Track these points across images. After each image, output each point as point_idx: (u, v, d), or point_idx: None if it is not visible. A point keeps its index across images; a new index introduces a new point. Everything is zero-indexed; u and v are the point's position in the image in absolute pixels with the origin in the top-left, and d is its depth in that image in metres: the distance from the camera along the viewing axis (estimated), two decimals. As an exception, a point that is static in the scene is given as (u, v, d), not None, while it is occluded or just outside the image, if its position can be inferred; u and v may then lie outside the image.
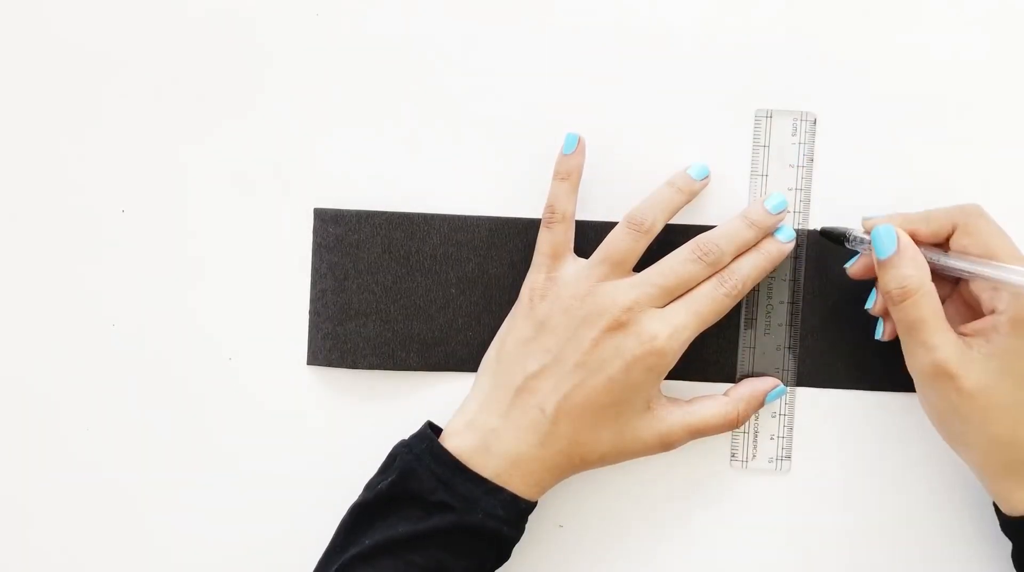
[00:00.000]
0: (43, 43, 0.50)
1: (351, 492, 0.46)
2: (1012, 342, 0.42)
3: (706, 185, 0.48)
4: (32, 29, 0.50)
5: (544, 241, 0.47)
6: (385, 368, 0.49)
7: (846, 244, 0.47)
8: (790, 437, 0.49)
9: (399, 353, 0.49)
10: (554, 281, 0.46)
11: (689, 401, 0.47)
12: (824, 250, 0.49)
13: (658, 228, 0.46)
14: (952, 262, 0.43)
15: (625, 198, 0.47)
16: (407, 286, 0.49)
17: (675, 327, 0.45)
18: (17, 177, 0.50)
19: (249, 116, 0.50)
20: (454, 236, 0.49)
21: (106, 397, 0.50)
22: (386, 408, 0.50)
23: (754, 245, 0.46)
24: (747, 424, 0.49)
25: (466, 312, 0.49)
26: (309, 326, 0.49)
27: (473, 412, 0.46)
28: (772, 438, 0.49)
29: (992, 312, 0.43)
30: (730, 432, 0.49)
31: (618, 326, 0.44)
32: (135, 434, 0.50)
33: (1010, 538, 0.45)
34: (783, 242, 0.47)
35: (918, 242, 0.44)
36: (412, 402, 0.49)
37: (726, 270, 0.46)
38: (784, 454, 0.49)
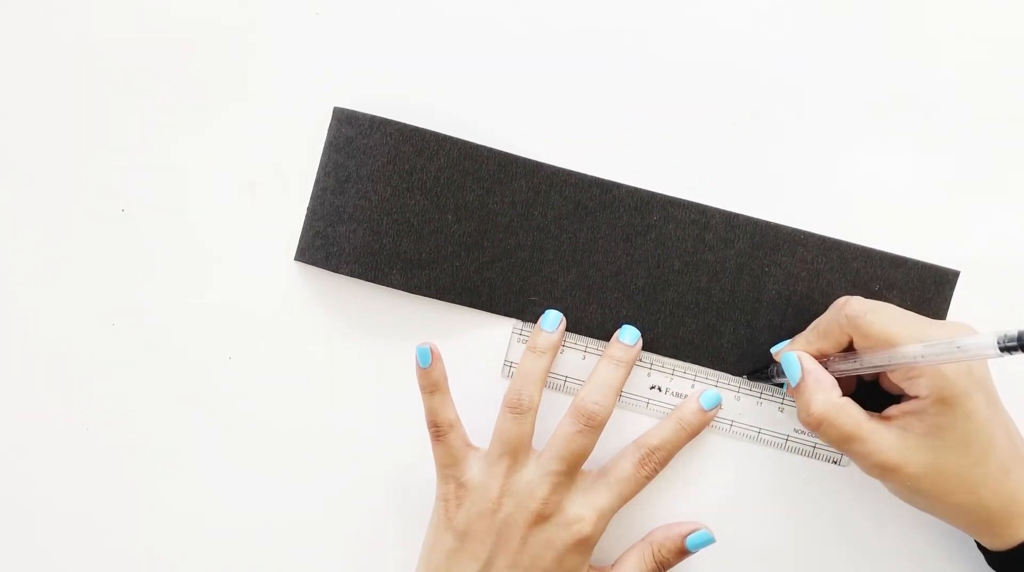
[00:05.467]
0: (42, 43, 0.50)
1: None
2: (941, 419, 0.41)
3: (562, 338, 0.48)
4: (32, 29, 0.50)
5: (441, 454, 0.46)
6: (366, 278, 0.48)
7: (772, 381, 0.46)
8: None
9: (382, 267, 0.48)
10: (465, 487, 0.46)
11: (613, 566, 0.47)
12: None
13: (537, 401, 0.46)
14: (863, 365, 0.43)
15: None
16: (404, 202, 0.48)
17: (600, 511, 0.45)
18: (17, 177, 0.50)
19: (249, 114, 0.50)
20: (462, 162, 0.48)
21: (106, 397, 0.50)
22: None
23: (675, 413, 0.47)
24: None
25: (457, 241, 0.48)
26: (304, 222, 0.49)
27: None
28: None
29: (916, 397, 0.42)
30: None
31: (542, 518, 0.45)
32: (135, 434, 0.50)
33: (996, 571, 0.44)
34: (707, 411, 0.47)
35: (828, 356, 0.43)
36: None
37: (647, 452, 0.46)
38: None
